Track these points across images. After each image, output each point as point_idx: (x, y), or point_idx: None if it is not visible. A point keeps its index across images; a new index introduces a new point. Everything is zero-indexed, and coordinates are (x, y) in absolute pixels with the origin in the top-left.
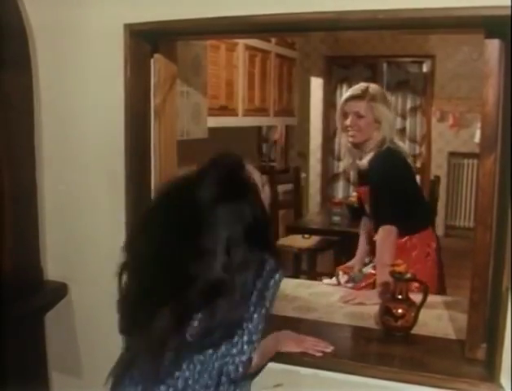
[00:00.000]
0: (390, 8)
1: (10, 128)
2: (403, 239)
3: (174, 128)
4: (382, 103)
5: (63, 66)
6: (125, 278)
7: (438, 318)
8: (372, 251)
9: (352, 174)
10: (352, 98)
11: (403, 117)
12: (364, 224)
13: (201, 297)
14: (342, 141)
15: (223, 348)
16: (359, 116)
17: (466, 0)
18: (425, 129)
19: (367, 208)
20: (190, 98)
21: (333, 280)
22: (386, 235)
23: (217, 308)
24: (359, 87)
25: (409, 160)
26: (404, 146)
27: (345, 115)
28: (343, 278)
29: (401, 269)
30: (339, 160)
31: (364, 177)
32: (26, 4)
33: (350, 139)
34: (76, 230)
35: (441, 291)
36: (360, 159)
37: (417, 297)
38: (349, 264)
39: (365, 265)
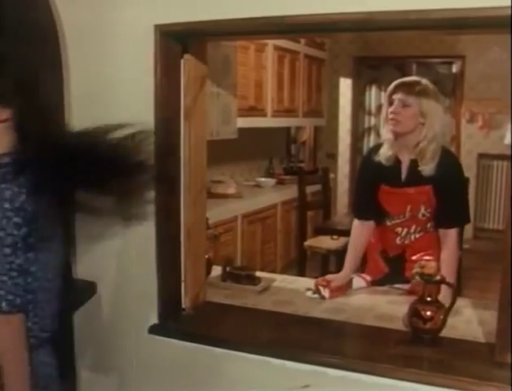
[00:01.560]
0: (421, 8)
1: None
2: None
3: (204, 128)
4: (433, 99)
5: (94, 67)
6: None
7: (467, 321)
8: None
9: None
10: (402, 85)
11: None
12: (368, 228)
13: None
14: (383, 132)
15: None
16: (404, 104)
17: (496, 0)
18: (454, 130)
19: (409, 209)
20: (220, 98)
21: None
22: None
23: None
24: (411, 77)
25: None
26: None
27: (391, 103)
28: (325, 292)
29: (430, 271)
30: None
31: (419, 177)
32: (58, 6)
33: (391, 127)
34: (105, 229)
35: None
36: (415, 157)
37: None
38: (329, 277)
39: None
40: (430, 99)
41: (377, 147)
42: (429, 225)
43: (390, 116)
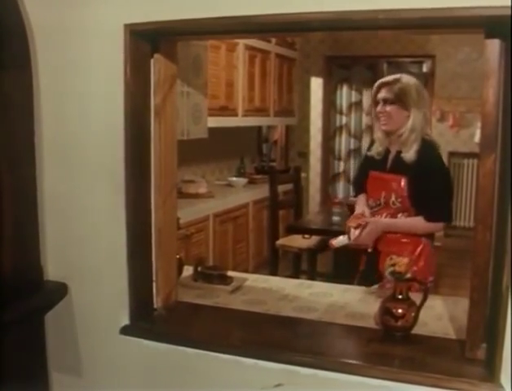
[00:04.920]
0: (390, 8)
1: (10, 128)
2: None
3: (174, 128)
4: (415, 92)
5: (63, 66)
6: None
7: (438, 318)
8: None
9: (352, 174)
10: (383, 84)
11: None
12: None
13: None
14: (375, 130)
15: None
16: (388, 102)
17: (466, 0)
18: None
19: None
20: (190, 98)
21: (345, 238)
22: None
23: None
24: (392, 76)
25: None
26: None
27: (377, 103)
28: (354, 234)
29: (401, 268)
30: (339, 159)
31: (401, 166)
32: (26, 4)
33: (383, 127)
34: (76, 230)
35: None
36: (399, 148)
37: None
38: (357, 213)
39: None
40: (410, 95)
41: (372, 143)
42: (399, 215)
43: (378, 116)
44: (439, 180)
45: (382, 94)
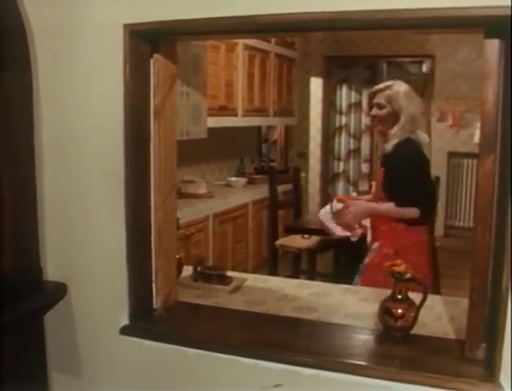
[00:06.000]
0: (390, 8)
1: (10, 128)
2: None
3: (174, 128)
4: (405, 97)
5: (62, 66)
6: None
7: (437, 318)
8: None
9: (352, 174)
10: (377, 91)
11: None
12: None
13: None
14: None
15: None
16: (380, 107)
17: (466, 0)
18: (424, 129)
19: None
20: (190, 98)
21: (328, 208)
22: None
23: None
24: (384, 83)
25: (426, 150)
26: (426, 137)
27: (371, 107)
28: (336, 206)
29: (401, 269)
30: (339, 159)
31: (383, 159)
32: (26, 4)
33: (377, 128)
34: (76, 230)
35: (436, 291)
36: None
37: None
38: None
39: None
40: (399, 100)
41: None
42: (380, 202)
43: (373, 119)
44: (407, 170)
45: (376, 99)
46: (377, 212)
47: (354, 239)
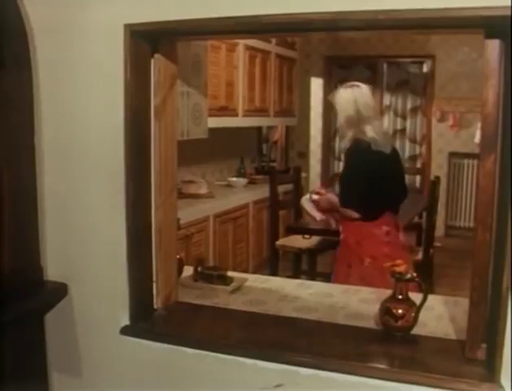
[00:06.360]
0: (390, 8)
1: (10, 127)
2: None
3: (175, 128)
4: (340, 100)
5: (63, 66)
6: None
7: (438, 318)
8: None
9: None
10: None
11: (404, 118)
12: None
13: None
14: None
15: None
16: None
17: (466, 0)
18: (425, 129)
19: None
20: (190, 98)
21: (308, 197)
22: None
23: None
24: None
25: (380, 143)
26: (374, 136)
27: None
28: (313, 197)
29: (401, 269)
30: (339, 160)
31: None
32: (26, 4)
33: None
34: (76, 230)
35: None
36: None
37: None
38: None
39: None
40: (336, 105)
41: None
42: None
43: None
44: (345, 174)
45: None
46: (336, 207)
47: (334, 225)
